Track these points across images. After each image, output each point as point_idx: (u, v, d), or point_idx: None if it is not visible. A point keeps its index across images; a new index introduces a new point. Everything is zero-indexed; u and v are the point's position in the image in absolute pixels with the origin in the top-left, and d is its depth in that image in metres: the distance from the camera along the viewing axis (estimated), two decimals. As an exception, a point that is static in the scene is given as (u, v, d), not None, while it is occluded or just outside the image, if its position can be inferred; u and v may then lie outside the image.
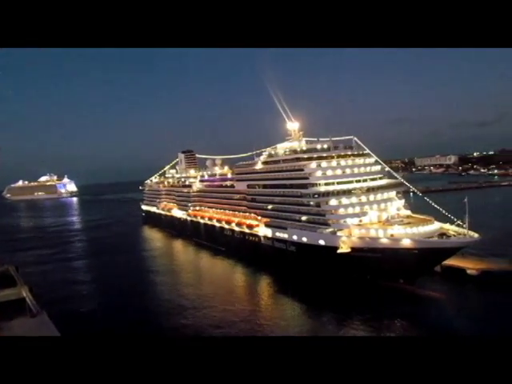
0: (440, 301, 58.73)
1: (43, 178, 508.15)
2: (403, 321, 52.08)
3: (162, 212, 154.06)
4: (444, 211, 69.44)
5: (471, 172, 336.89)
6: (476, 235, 59.63)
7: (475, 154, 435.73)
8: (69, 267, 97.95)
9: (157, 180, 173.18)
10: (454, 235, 61.95)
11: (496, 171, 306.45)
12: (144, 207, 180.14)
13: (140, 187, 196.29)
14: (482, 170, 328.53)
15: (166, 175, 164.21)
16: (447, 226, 65.48)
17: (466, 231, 60.40)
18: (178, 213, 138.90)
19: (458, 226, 63.58)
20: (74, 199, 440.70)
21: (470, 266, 64.75)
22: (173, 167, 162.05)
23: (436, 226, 65.22)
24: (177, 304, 64.92)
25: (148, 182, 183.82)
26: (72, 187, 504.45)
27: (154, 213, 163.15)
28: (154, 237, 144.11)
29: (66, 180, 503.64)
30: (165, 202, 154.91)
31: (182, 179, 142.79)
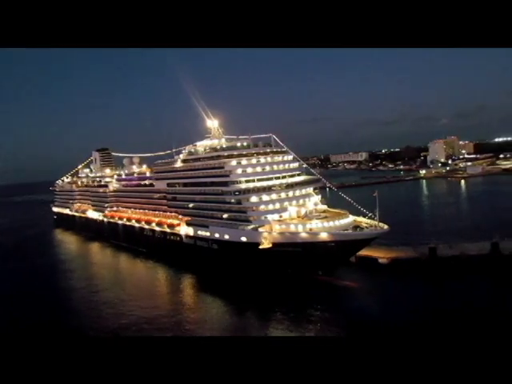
0: (356, 289, 62.07)
1: None
2: (322, 311, 54.42)
3: (76, 214, 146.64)
4: (357, 205, 73.40)
5: (380, 168, 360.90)
6: (386, 226, 63.88)
7: (383, 151, 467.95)
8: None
9: (69, 180, 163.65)
10: (367, 227, 65.82)
11: (402, 167, 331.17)
12: (55, 209, 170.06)
13: (51, 188, 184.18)
14: (390, 166, 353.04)
15: (80, 175, 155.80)
16: (360, 218, 69.38)
17: (376, 223, 64.46)
18: (93, 214, 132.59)
19: (370, 218, 67.64)
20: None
21: (381, 256, 69.44)
22: (87, 166, 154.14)
23: (350, 219, 68.83)
24: (94, 313, 61.60)
25: (59, 182, 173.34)
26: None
27: (67, 215, 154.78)
28: (67, 240, 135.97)
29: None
30: (79, 204, 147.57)
31: (98, 179, 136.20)
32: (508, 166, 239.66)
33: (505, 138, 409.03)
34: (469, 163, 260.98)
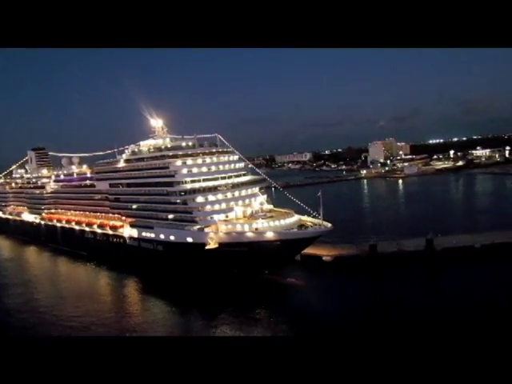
0: (301, 287, 63.29)
1: None
2: (269, 310, 55.06)
3: (10, 217, 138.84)
4: (302, 204, 74.83)
5: (324, 168, 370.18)
6: (329, 225, 65.63)
7: (327, 152, 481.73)
8: None
9: (2, 181, 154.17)
10: (311, 226, 67.31)
11: (344, 167, 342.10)
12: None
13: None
14: (333, 166, 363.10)
15: (14, 175, 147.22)
16: (305, 217, 70.76)
17: (321, 222, 66.10)
18: (29, 217, 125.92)
19: (314, 217, 69.19)
20: None
21: (325, 253, 71.34)
22: (21, 166, 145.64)
23: (295, 218, 70.06)
24: (31, 324, 58.42)
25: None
26: None
27: (0, 218, 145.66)
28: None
29: None
30: (13, 206, 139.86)
31: (33, 180, 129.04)
32: (440, 167, 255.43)
33: (437, 140, 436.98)
34: (406, 164, 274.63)
